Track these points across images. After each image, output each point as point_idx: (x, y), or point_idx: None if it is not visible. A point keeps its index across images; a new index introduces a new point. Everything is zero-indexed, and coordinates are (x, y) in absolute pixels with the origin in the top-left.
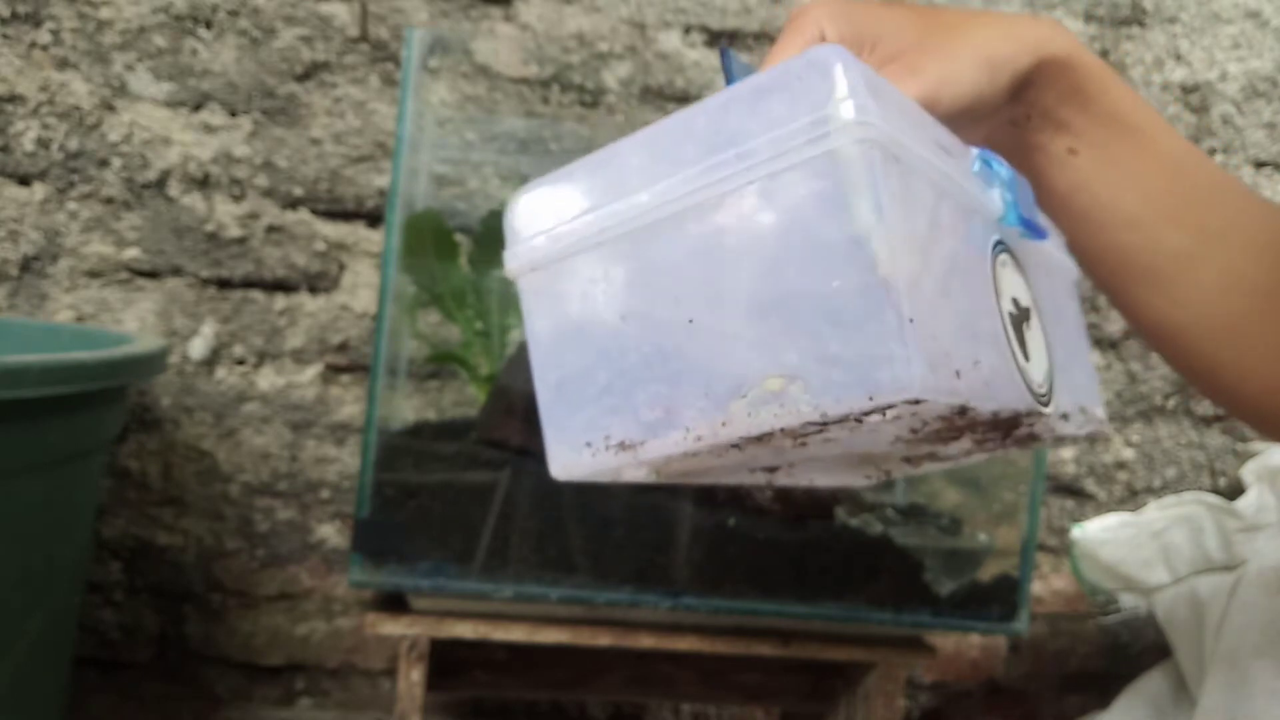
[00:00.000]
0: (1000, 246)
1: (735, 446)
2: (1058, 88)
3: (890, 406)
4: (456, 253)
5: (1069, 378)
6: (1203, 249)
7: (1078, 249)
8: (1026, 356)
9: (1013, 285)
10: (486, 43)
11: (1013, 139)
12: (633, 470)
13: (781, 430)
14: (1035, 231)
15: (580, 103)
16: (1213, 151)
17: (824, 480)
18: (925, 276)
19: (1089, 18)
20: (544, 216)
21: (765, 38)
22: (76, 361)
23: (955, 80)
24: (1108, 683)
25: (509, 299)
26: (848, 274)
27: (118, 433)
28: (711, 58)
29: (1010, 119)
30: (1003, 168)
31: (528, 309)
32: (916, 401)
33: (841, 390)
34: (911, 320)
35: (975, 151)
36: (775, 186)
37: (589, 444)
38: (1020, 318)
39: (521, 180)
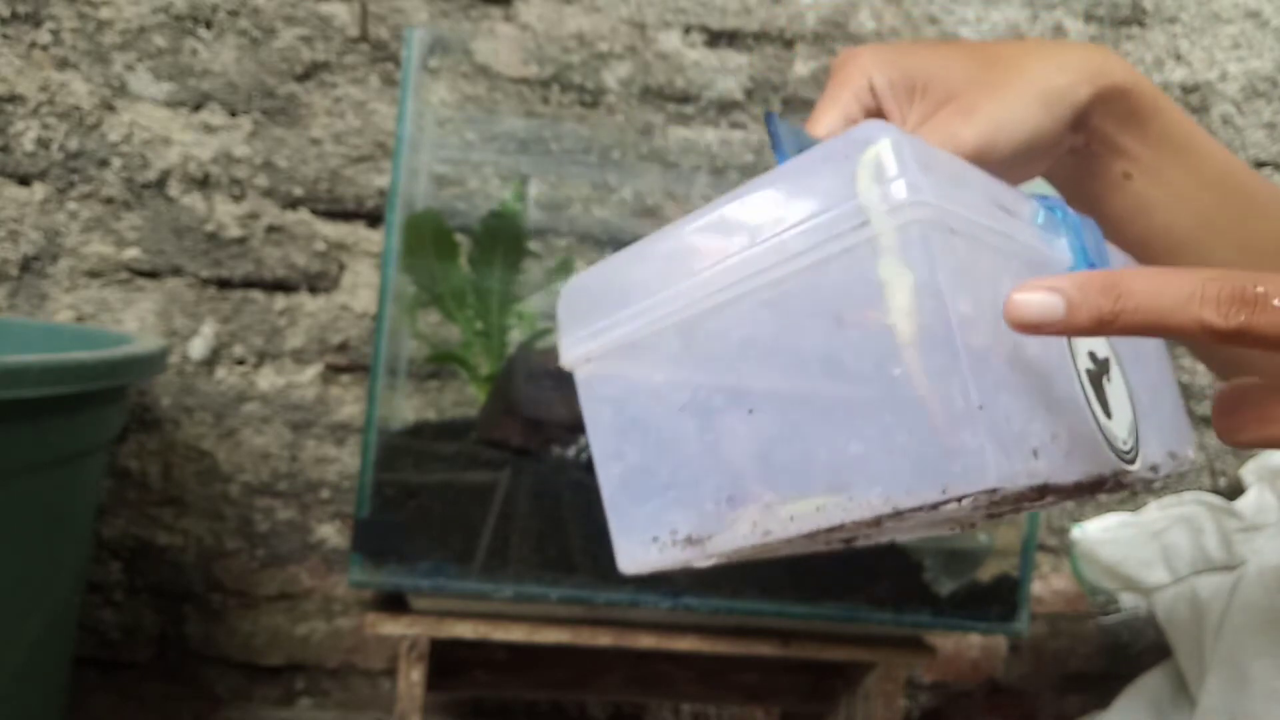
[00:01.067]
0: None
1: (807, 536)
2: (1115, 115)
3: (965, 496)
4: (456, 253)
5: (1155, 422)
6: (1248, 264)
7: None
8: (1109, 413)
9: (1088, 340)
10: (486, 43)
11: (1069, 167)
12: (701, 561)
13: (853, 522)
14: None
15: (580, 103)
16: None
17: (905, 537)
18: (993, 353)
19: (1089, 18)
20: (594, 307)
21: (765, 37)
22: (76, 361)
23: (1012, 120)
24: (1108, 683)
25: (509, 299)
26: (910, 361)
27: (118, 433)
28: (712, 58)
29: (1069, 148)
30: (1067, 214)
31: (585, 400)
32: (993, 490)
33: (912, 482)
34: (981, 407)
35: (1037, 201)
36: (829, 272)
37: (655, 538)
38: (1099, 372)
39: (522, 180)
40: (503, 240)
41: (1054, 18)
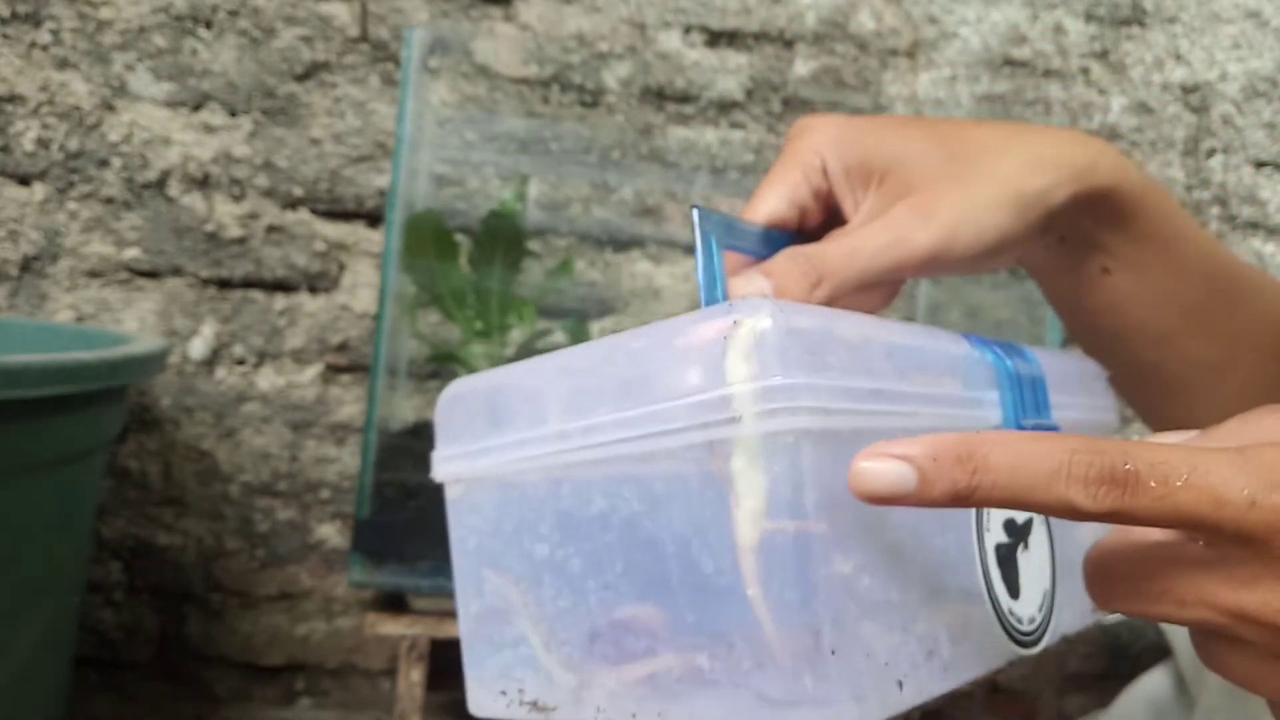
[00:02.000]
0: None
1: None
2: (1096, 215)
3: None
4: (456, 253)
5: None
6: (1228, 357)
7: (1105, 363)
8: (1016, 593)
9: None
10: (486, 43)
11: (1041, 259)
12: None
13: None
14: (1043, 429)
15: (580, 103)
16: (1212, 151)
17: None
18: (865, 572)
19: (1089, 18)
20: (469, 425)
21: (765, 38)
22: (76, 361)
23: (974, 224)
24: (1108, 683)
25: (509, 299)
26: (766, 582)
27: (118, 433)
28: (712, 58)
29: (1041, 243)
30: (999, 357)
31: (452, 521)
32: None
33: (753, 714)
34: (833, 652)
35: (969, 345)
36: (686, 463)
37: (504, 692)
38: (1014, 543)
39: (522, 180)
40: (503, 240)
41: (1054, 17)
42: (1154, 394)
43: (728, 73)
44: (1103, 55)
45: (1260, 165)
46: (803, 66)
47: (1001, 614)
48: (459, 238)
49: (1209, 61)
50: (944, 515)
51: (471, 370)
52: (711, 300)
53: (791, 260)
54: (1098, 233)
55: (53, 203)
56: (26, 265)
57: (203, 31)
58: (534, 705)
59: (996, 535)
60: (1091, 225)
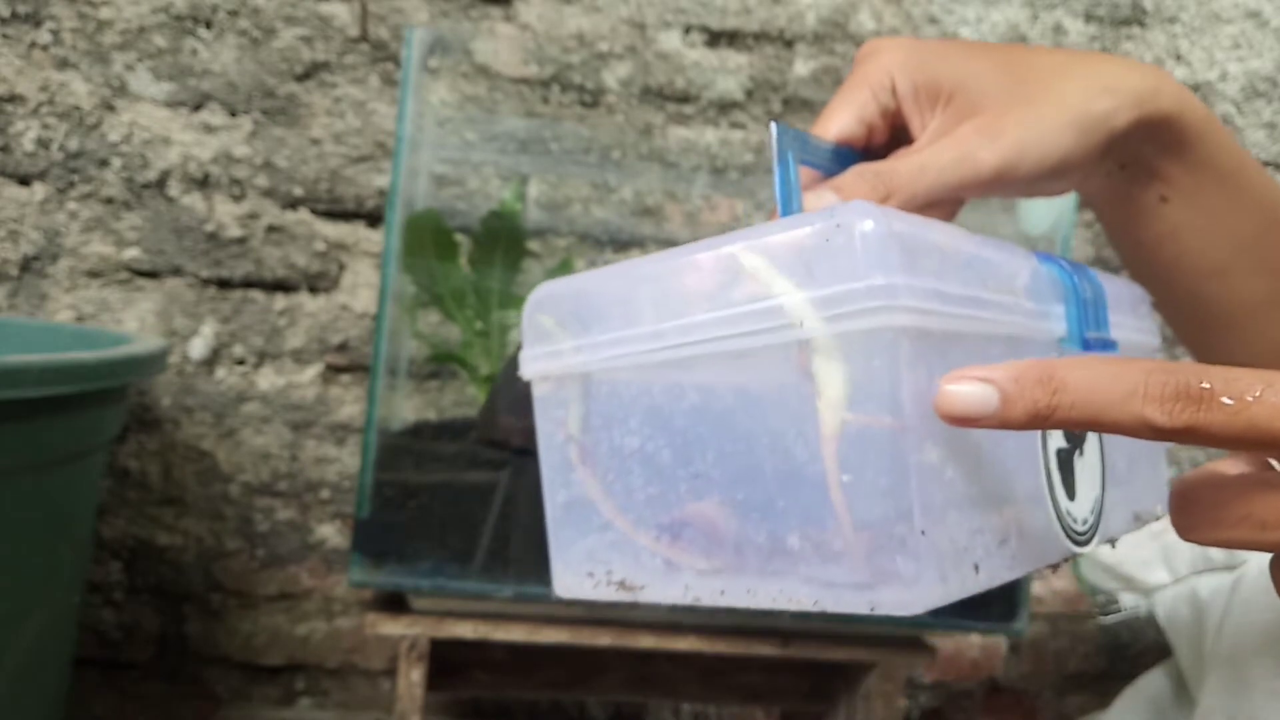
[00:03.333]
0: None
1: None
2: (1157, 142)
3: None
4: (456, 253)
5: (1127, 485)
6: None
7: (1156, 295)
8: (1072, 495)
9: None
10: (486, 43)
11: (1101, 186)
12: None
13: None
14: (1103, 346)
15: (580, 103)
16: None
17: None
18: (949, 463)
19: (1089, 18)
20: (557, 325)
21: (765, 37)
22: (76, 361)
23: (1039, 144)
24: (1108, 683)
25: (509, 299)
26: (859, 469)
27: (118, 433)
28: (712, 58)
29: (1102, 169)
30: (1066, 273)
31: (539, 416)
32: None
33: (843, 593)
34: (924, 532)
35: (1037, 260)
36: (790, 358)
37: (591, 574)
38: (1071, 450)
39: (522, 180)
40: (503, 240)
41: (1054, 17)
42: (1205, 328)
43: (728, 73)
44: None
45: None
46: (803, 66)
47: (1060, 513)
48: (459, 238)
49: (1209, 61)
50: None
51: (471, 370)
52: (787, 213)
53: (860, 176)
54: (1157, 160)
55: (53, 203)
56: (26, 265)
57: (203, 31)
58: (621, 584)
59: (1057, 441)
60: (1152, 152)
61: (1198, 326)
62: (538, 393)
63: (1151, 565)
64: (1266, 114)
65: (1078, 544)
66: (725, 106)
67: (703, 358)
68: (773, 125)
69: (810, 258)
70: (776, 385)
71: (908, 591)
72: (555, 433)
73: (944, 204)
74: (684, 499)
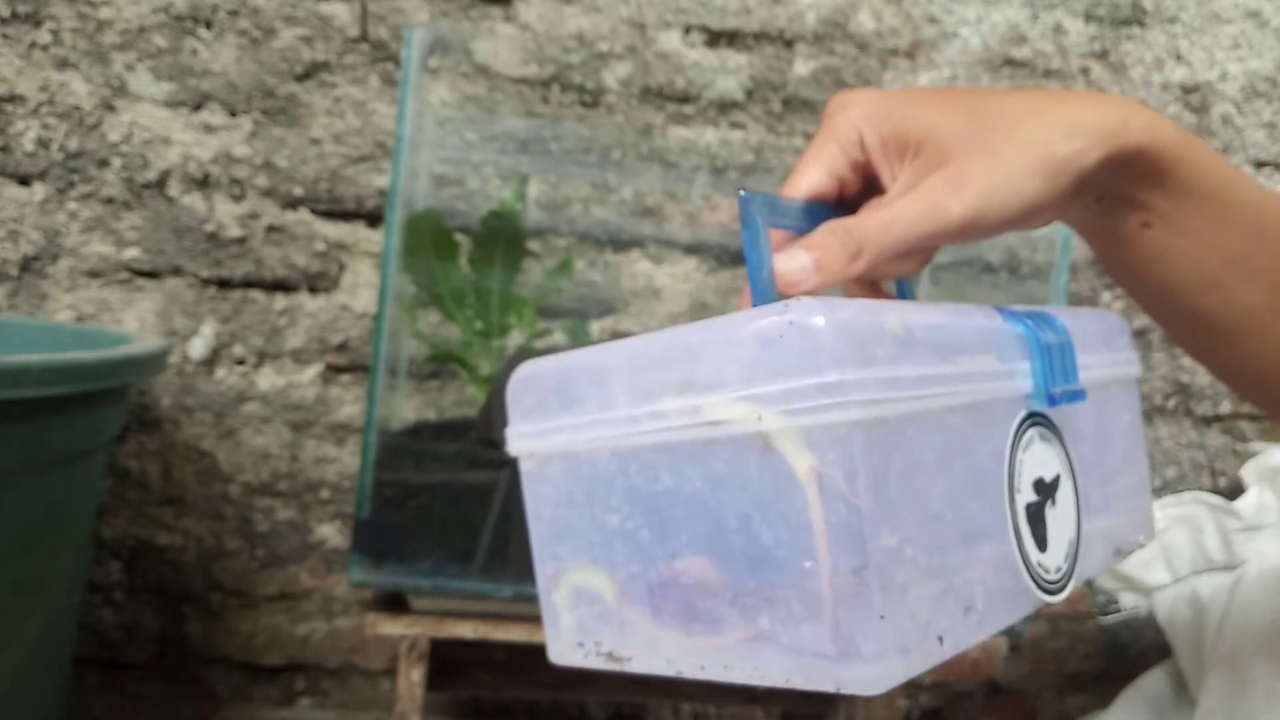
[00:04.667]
0: (1028, 421)
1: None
2: (1132, 174)
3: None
4: (456, 253)
5: (1106, 520)
6: (1278, 302)
7: (1154, 313)
8: (1044, 546)
9: (1039, 463)
10: (486, 43)
11: (1080, 219)
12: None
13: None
14: (1071, 398)
15: (580, 103)
16: None
17: None
18: (909, 544)
19: (1089, 18)
20: (541, 405)
21: (765, 37)
22: (76, 361)
23: (1004, 192)
24: (1108, 683)
25: (509, 299)
26: (820, 558)
27: (118, 433)
28: (712, 58)
29: (1078, 204)
30: (1029, 329)
31: (527, 492)
32: None
33: (811, 671)
34: (883, 616)
35: (999, 318)
36: (746, 449)
37: (581, 644)
38: (1043, 501)
39: (522, 180)
40: (503, 240)
41: (1054, 17)
42: (1206, 338)
43: (728, 73)
44: (1103, 55)
45: (1260, 165)
46: (803, 66)
47: (1030, 567)
48: (459, 238)
49: (1209, 61)
50: (980, 482)
51: (471, 370)
52: (758, 280)
53: (831, 233)
54: (1135, 191)
55: (53, 203)
56: (26, 265)
57: (203, 31)
58: (610, 655)
59: (1026, 495)
60: (1128, 184)
61: (1198, 337)
62: (524, 468)
63: (1151, 565)
64: (1266, 114)
65: (1050, 594)
66: (725, 106)
67: (672, 443)
68: (740, 193)
69: (766, 352)
70: (742, 471)
71: (869, 669)
72: (541, 508)
73: (916, 253)
74: (663, 576)
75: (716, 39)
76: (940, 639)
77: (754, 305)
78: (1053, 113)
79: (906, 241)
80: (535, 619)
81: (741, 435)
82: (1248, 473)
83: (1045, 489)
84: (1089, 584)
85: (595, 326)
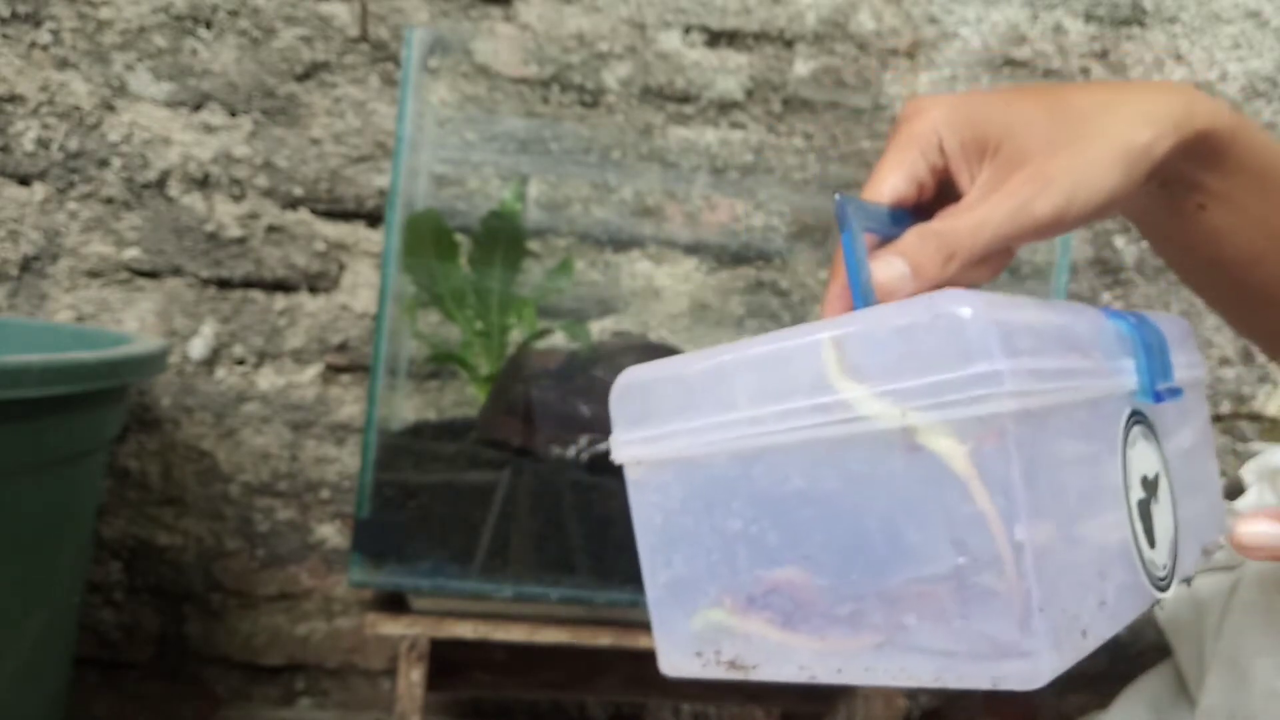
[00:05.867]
0: (1133, 419)
1: None
2: (1195, 158)
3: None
4: (456, 253)
5: (1194, 523)
6: None
7: (1196, 286)
8: (1153, 542)
9: (1143, 461)
10: (486, 43)
11: (1143, 204)
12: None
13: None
14: (1172, 395)
15: (580, 103)
16: None
17: None
18: (1057, 539)
19: (1089, 18)
20: (649, 410)
21: (765, 37)
22: (76, 361)
23: (1089, 186)
24: (1108, 683)
25: (509, 299)
26: (974, 554)
27: (118, 433)
28: (712, 58)
29: (1143, 190)
30: (1132, 326)
31: (635, 500)
32: None
33: (964, 668)
34: (1041, 610)
35: (1104, 317)
36: (889, 446)
37: (699, 653)
38: (1149, 498)
39: (522, 180)
40: (503, 240)
41: (1054, 17)
42: (1248, 308)
43: (728, 73)
44: (1103, 55)
45: None
46: (803, 66)
47: (1145, 563)
48: (459, 238)
49: (1209, 61)
50: (1102, 478)
51: (471, 370)
52: (858, 282)
53: (923, 239)
54: (1195, 174)
55: (53, 203)
56: (26, 265)
57: (203, 31)
58: (732, 664)
59: (1137, 492)
60: (1190, 168)
61: (1241, 310)
62: (631, 476)
63: None
64: (1266, 114)
65: (1161, 589)
66: (725, 106)
67: (802, 443)
68: (837, 197)
69: (911, 346)
70: (883, 468)
71: (1028, 665)
72: (652, 516)
73: (995, 257)
74: (794, 580)
75: (716, 39)
76: (1084, 632)
77: (856, 309)
78: (1125, 104)
79: (996, 243)
80: (535, 619)
81: (883, 432)
82: (1248, 473)
83: (1150, 486)
84: (1187, 582)
85: (595, 327)
